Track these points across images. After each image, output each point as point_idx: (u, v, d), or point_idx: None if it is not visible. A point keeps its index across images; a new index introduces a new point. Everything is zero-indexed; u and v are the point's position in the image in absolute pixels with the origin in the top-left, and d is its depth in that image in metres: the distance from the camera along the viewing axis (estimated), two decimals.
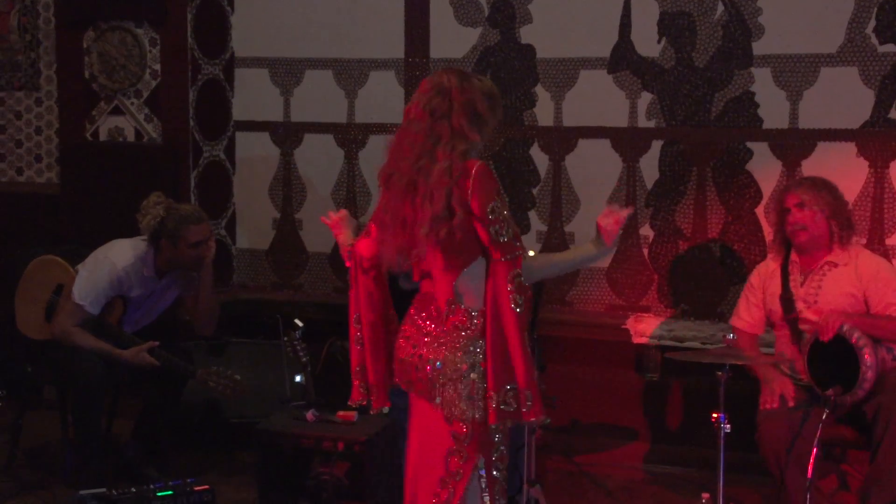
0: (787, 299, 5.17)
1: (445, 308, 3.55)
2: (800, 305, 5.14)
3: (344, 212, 3.97)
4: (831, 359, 4.85)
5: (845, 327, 4.82)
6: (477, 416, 3.50)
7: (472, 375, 3.50)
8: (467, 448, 3.51)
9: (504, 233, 3.47)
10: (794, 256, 5.25)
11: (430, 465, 3.57)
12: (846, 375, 4.78)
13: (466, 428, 3.51)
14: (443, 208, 3.43)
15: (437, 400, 3.52)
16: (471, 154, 3.54)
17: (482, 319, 3.53)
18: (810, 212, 5.13)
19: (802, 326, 5.08)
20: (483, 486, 3.54)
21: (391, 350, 3.73)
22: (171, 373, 5.65)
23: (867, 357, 4.75)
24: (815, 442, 4.53)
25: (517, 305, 3.46)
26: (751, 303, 5.35)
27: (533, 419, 3.50)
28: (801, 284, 5.17)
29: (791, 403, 4.92)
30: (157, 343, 5.60)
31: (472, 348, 3.51)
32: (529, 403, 3.48)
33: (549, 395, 5.69)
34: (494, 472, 3.56)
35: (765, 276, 5.33)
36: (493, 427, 3.51)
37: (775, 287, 5.24)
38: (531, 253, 3.66)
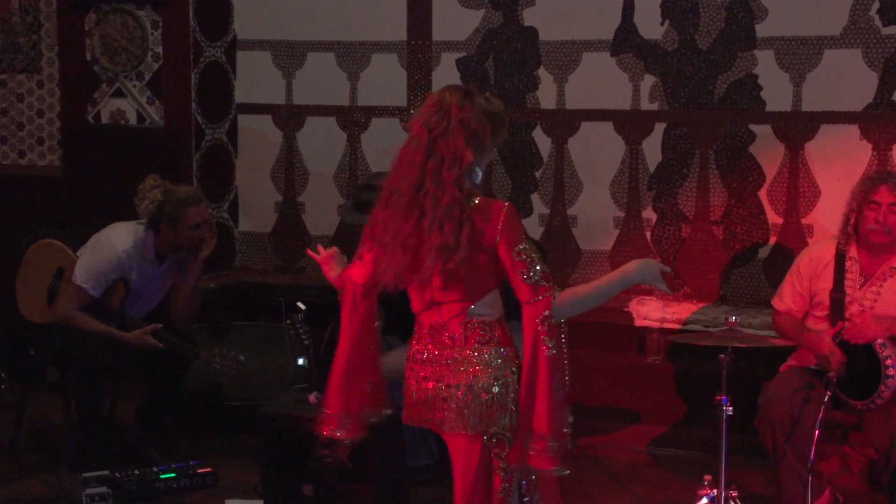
0: (838, 299, 4.96)
1: (462, 331, 3.49)
2: (854, 308, 4.94)
3: (334, 249, 3.90)
4: (853, 357, 4.80)
5: (879, 341, 4.74)
6: (508, 424, 3.48)
7: (495, 389, 3.46)
8: (507, 461, 3.49)
9: (531, 274, 3.39)
10: (854, 251, 5.00)
11: (483, 496, 3.53)
12: (863, 380, 4.75)
13: (505, 442, 3.48)
14: (453, 239, 3.37)
15: (472, 421, 3.46)
16: (475, 176, 3.46)
17: (500, 330, 3.49)
18: None
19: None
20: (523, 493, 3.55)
21: (372, 373, 3.71)
22: (175, 354, 5.65)
23: (890, 381, 4.71)
24: (817, 424, 4.53)
25: (550, 348, 3.41)
26: (796, 290, 5.11)
27: (545, 468, 3.43)
28: (861, 286, 4.96)
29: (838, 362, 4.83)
30: (160, 325, 5.60)
31: (497, 361, 3.48)
32: (544, 448, 3.41)
33: None
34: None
35: (816, 265, 5.07)
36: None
37: (826, 280, 5.01)
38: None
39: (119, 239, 5.65)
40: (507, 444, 3.46)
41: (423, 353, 3.56)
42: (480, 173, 3.53)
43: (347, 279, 3.69)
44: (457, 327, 3.49)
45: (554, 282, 3.46)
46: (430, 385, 3.52)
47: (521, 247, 3.40)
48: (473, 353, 3.47)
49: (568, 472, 3.47)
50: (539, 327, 3.40)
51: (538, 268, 3.40)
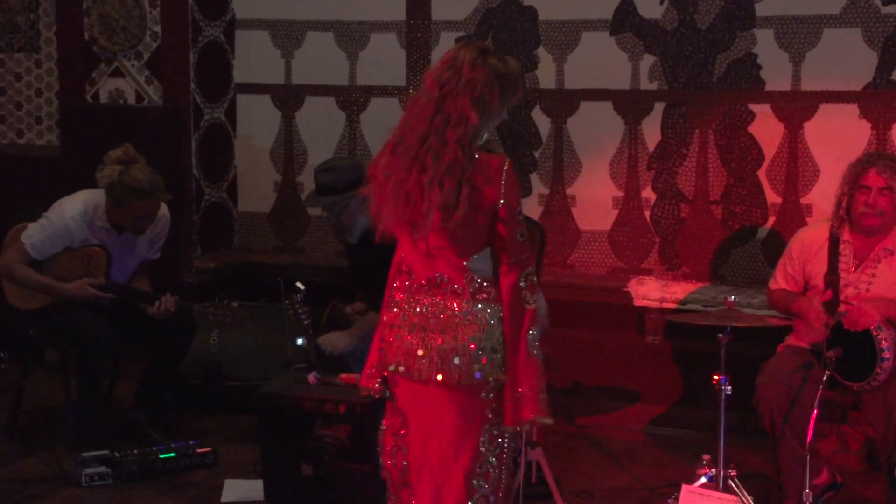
0: (832, 282, 4.94)
1: (468, 286, 3.49)
2: (849, 291, 4.93)
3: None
4: (849, 339, 4.78)
5: (876, 327, 4.72)
6: (498, 380, 3.49)
7: (489, 343, 3.46)
8: (500, 417, 3.50)
9: (524, 232, 3.48)
10: (847, 235, 4.98)
11: (458, 451, 3.50)
12: (859, 362, 4.75)
13: (497, 396, 3.49)
14: (453, 198, 3.36)
15: (477, 375, 3.45)
16: (479, 138, 3.45)
17: (496, 288, 3.49)
18: (894, 197, 4.85)
19: (844, 308, 4.89)
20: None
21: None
22: (134, 302, 5.70)
23: (886, 364, 4.71)
24: (815, 403, 4.54)
25: (532, 303, 3.44)
26: (789, 274, 5.11)
27: (518, 422, 3.45)
28: (855, 269, 4.95)
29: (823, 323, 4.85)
30: (101, 280, 5.62)
31: (494, 319, 3.48)
32: (533, 398, 3.43)
33: (553, 358, 5.73)
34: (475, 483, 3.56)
35: (808, 248, 5.06)
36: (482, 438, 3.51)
37: (820, 263, 5.00)
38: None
39: (70, 206, 5.67)
40: (499, 400, 3.47)
41: (416, 306, 3.54)
42: (487, 134, 3.53)
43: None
44: (461, 281, 3.48)
45: (531, 245, 3.59)
46: (416, 335, 3.50)
47: (520, 209, 3.46)
48: (479, 307, 3.48)
49: (552, 421, 3.51)
50: (522, 283, 3.44)
51: (525, 229, 3.49)
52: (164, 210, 5.85)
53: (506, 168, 3.44)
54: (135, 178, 5.57)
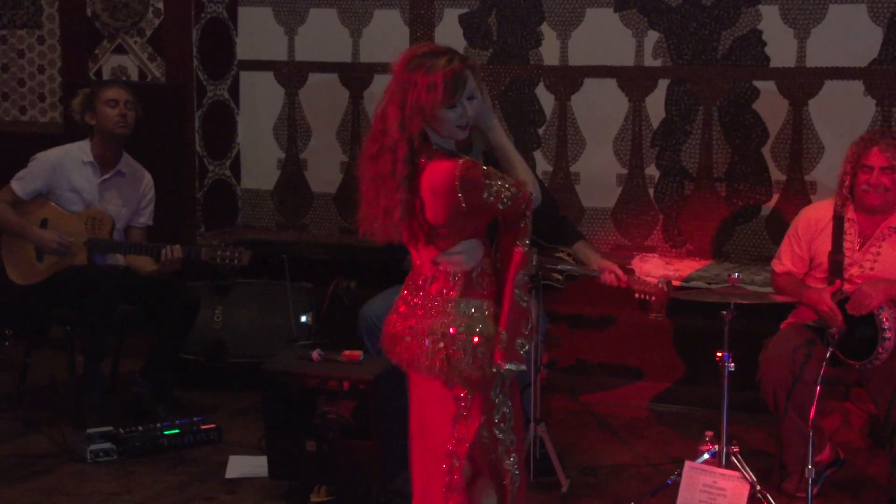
0: (836, 260, 4.95)
1: (430, 275, 3.51)
2: (854, 270, 4.94)
3: None
4: (851, 318, 4.78)
5: (879, 310, 4.72)
6: (475, 375, 3.47)
7: (462, 336, 3.45)
8: (471, 410, 3.49)
9: (505, 199, 3.37)
10: (851, 213, 4.98)
11: (436, 441, 3.53)
12: (861, 341, 4.75)
13: (466, 390, 3.49)
14: (404, 206, 3.37)
15: (437, 367, 3.48)
16: (440, 139, 3.43)
17: (463, 279, 3.48)
18: None
19: (848, 287, 4.89)
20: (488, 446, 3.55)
21: None
22: (139, 255, 5.82)
23: (887, 343, 4.71)
24: (819, 380, 4.54)
25: (522, 245, 3.44)
26: (795, 253, 5.10)
27: (505, 361, 3.42)
28: (859, 248, 4.96)
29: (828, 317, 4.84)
30: (71, 240, 5.73)
31: (460, 310, 3.47)
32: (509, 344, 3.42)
33: (555, 335, 5.74)
34: (497, 433, 3.54)
35: (814, 226, 5.06)
36: (493, 390, 3.50)
37: (825, 242, 5.01)
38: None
39: (54, 148, 5.97)
40: (470, 395, 3.47)
41: (406, 294, 3.58)
42: (444, 137, 3.44)
43: None
44: (426, 271, 3.51)
45: (522, 184, 3.42)
46: (405, 323, 3.53)
47: (486, 193, 3.35)
48: (437, 300, 3.48)
49: (523, 367, 3.47)
50: (520, 223, 3.42)
51: (507, 187, 3.37)
52: (146, 174, 6.05)
53: (457, 173, 3.34)
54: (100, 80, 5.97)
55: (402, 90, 3.42)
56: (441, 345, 3.45)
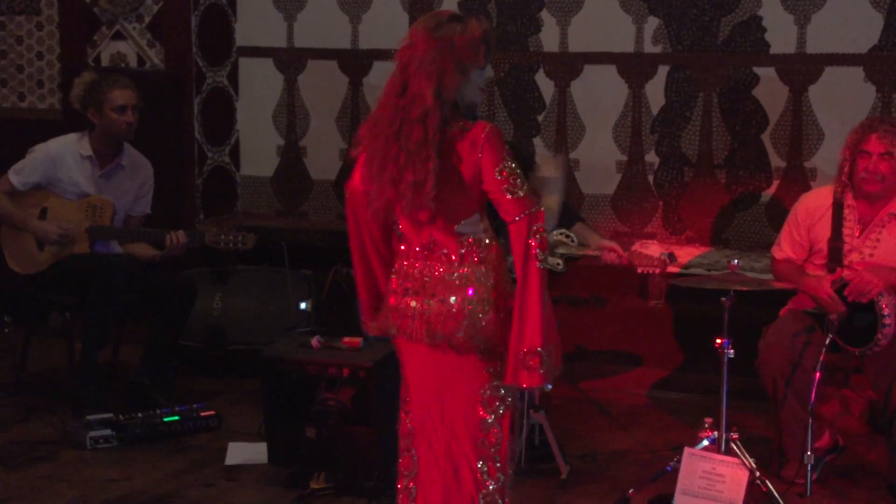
0: (836, 247, 4.95)
1: (458, 249, 3.48)
2: (854, 256, 4.92)
3: None
4: (851, 305, 4.77)
5: (878, 296, 4.71)
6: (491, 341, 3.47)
7: (485, 306, 3.44)
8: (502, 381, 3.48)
9: (515, 190, 3.36)
10: (851, 200, 4.97)
11: (464, 414, 3.51)
12: (861, 327, 4.75)
13: (499, 361, 3.48)
14: (423, 175, 3.33)
15: (473, 337, 3.42)
16: (448, 108, 3.38)
17: (486, 251, 3.47)
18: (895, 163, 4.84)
19: (847, 274, 4.88)
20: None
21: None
22: (142, 241, 5.83)
23: (887, 330, 4.70)
24: (818, 366, 4.54)
25: (541, 261, 3.38)
26: (795, 240, 5.08)
27: (536, 384, 3.41)
28: (859, 235, 4.95)
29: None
30: (71, 227, 5.69)
31: (482, 283, 3.46)
32: (538, 364, 3.40)
33: (556, 322, 5.73)
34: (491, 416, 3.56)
35: (813, 213, 5.04)
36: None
37: (824, 229, 4.99)
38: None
39: (53, 141, 5.90)
40: (501, 364, 3.47)
41: (411, 271, 3.53)
42: (466, 102, 3.44)
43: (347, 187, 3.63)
44: (452, 246, 3.48)
45: (538, 197, 3.44)
46: (412, 299, 3.49)
47: (503, 165, 3.36)
48: (472, 268, 3.47)
49: (550, 386, 3.46)
50: (530, 241, 3.37)
51: (522, 183, 3.37)
52: (147, 164, 6.01)
53: (486, 133, 3.37)
54: (108, 76, 5.86)
55: (437, 57, 3.36)
56: (480, 314, 3.43)
